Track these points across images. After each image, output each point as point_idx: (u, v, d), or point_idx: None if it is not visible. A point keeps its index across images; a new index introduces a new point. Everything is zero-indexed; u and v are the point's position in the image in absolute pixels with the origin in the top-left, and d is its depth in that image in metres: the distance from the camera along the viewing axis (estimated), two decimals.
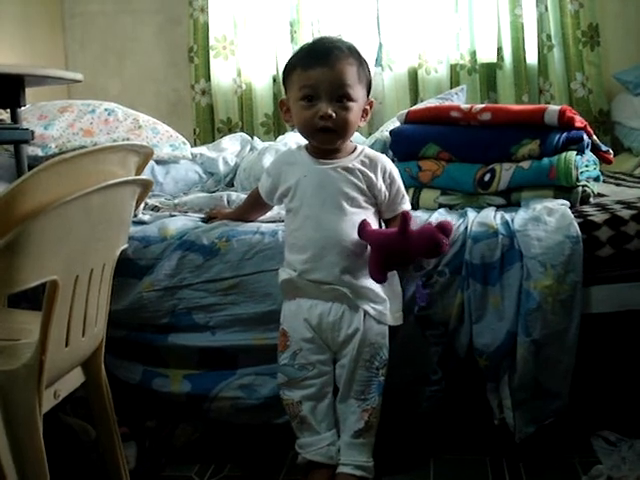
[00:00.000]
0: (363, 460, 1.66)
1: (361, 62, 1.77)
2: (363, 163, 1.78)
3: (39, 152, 2.54)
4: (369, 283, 1.70)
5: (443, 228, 1.63)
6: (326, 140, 1.76)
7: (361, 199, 1.75)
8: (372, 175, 1.77)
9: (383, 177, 1.79)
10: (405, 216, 1.64)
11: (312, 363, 1.70)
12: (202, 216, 2.13)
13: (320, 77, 1.71)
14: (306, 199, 1.75)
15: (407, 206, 1.83)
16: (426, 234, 1.63)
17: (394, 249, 1.65)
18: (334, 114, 1.70)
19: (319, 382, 1.70)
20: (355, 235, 1.70)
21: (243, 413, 1.87)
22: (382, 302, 1.71)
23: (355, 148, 1.82)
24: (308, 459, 1.68)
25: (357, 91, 1.74)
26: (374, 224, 1.75)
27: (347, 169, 1.75)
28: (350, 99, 1.72)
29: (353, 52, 1.76)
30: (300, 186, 1.76)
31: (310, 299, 1.72)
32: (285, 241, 1.82)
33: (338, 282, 1.69)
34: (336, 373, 1.72)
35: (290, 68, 1.79)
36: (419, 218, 1.94)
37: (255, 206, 2.00)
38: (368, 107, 1.82)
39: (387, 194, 1.79)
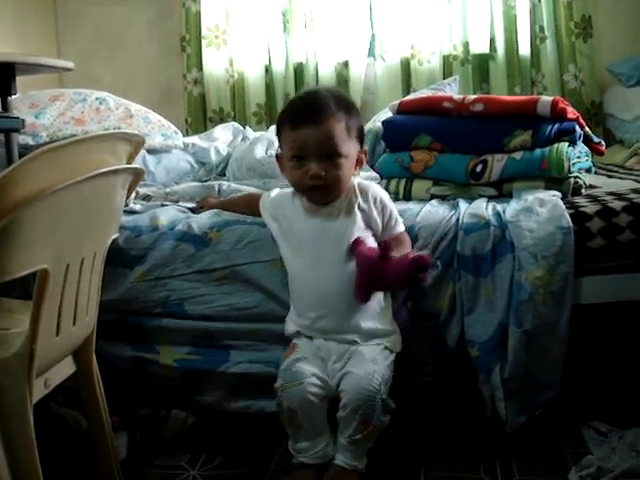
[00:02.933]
0: (356, 463, 1.65)
1: (350, 114, 1.75)
2: (357, 196, 1.77)
3: (30, 141, 2.52)
4: (377, 323, 1.73)
5: (419, 261, 1.62)
6: (319, 198, 1.76)
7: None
8: (365, 206, 1.77)
9: (375, 204, 1.78)
10: (386, 244, 1.65)
11: (313, 373, 1.65)
12: (192, 205, 2.13)
13: (308, 137, 1.69)
14: (305, 249, 1.75)
15: (401, 228, 1.82)
16: (401, 265, 1.63)
17: (374, 272, 1.65)
18: (323, 173, 1.69)
19: (315, 389, 1.64)
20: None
21: (236, 401, 1.87)
22: (391, 334, 1.74)
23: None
24: (304, 463, 1.67)
25: (347, 146, 1.72)
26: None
27: (345, 211, 1.75)
28: (340, 156, 1.71)
29: (341, 105, 1.74)
30: (297, 233, 1.78)
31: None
32: (289, 283, 1.81)
33: (347, 329, 1.71)
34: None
35: (280, 124, 1.78)
36: (410, 210, 1.94)
37: (248, 209, 1.97)
38: (362, 156, 1.81)
39: (379, 221, 1.78)
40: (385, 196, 1.82)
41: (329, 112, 1.71)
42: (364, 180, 1.86)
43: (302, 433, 1.66)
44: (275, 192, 1.90)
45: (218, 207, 2.03)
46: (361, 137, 1.80)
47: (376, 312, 1.74)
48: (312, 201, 1.77)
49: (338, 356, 1.70)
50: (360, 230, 1.74)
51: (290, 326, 1.79)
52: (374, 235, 1.77)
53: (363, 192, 1.78)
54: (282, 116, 1.79)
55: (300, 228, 1.77)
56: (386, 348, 1.71)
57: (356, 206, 1.76)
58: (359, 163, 1.80)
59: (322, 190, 1.73)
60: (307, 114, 1.71)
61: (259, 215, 1.91)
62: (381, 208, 1.79)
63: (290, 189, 1.83)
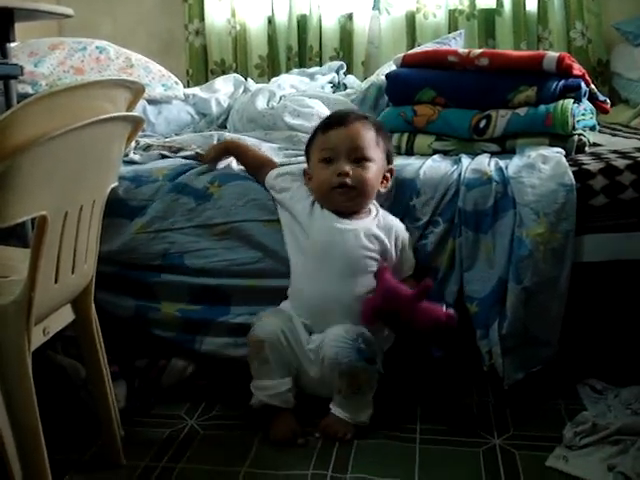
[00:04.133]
0: (353, 415, 1.68)
1: (378, 129, 1.84)
2: (379, 226, 1.79)
3: (29, 90, 2.50)
4: None
5: (450, 318, 1.64)
6: (343, 197, 1.77)
7: (373, 265, 1.75)
8: (386, 240, 1.78)
9: (395, 243, 1.80)
10: (428, 286, 1.65)
11: (294, 322, 1.73)
12: (190, 153, 2.10)
13: (338, 138, 1.78)
14: (313, 255, 1.76)
15: (409, 272, 1.83)
16: (434, 313, 1.64)
17: (397, 304, 1.65)
18: (351, 171, 1.75)
19: (287, 331, 1.71)
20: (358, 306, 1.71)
21: (236, 349, 1.87)
22: None
23: (370, 210, 1.83)
24: (265, 402, 1.70)
25: (374, 153, 1.79)
26: None
27: (364, 233, 1.76)
28: (367, 160, 1.77)
29: (370, 120, 1.85)
30: (309, 238, 1.78)
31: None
32: (291, 274, 1.81)
33: None
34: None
35: (313, 135, 1.87)
36: (412, 165, 1.93)
37: (253, 170, 1.94)
38: (388, 174, 1.84)
39: (394, 259, 1.80)
40: (406, 237, 1.83)
41: (359, 119, 1.83)
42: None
43: (266, 370, 1.70)
44: (286, 176, 1.88)
45: (231, 149, 2.00)
46: (389, 156, 1.86)
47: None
48: (335, 204, 1.79)
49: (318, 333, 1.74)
50: (372, 259, 1.75)
51: (286, 306, 1.81)
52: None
53: (387, 224, 1.81)
54: (314, 130, 1.88)
55: (313, 234, 1.78)
56: None
57: (374, 237, 1.77)
58: (385, 180, 1.84)
59: (347, 190, 1.76)
60: (338, 120, 1.83)
61: (258, 179, 1.91)
62: (400, 248, 1.81)
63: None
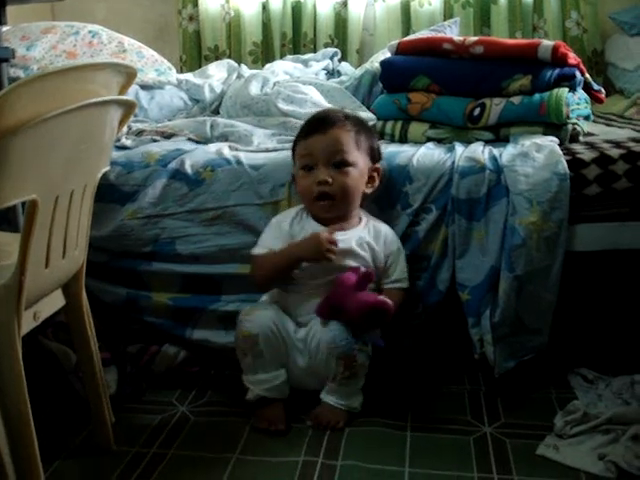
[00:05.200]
0: (345, 402, 1.69)
1: (359, 129, 1.80)
2: (369, 233, 1.79)
3: (21, 74, 2.48)
4: None
5: (378, 304, 1.64)
6: (325, 208, 1.76)
7: None
8: (376, 246, 1.78)
9: (384, 245, 1.79)
10: (367, 273, 1.66)
11: (277, 311, 1.74)
12: (183, 139, 2.09)
13: (316, 144, 1.76)
14: (307, 270, 1.74)
15: (398, 284, 1.80)
16: (363, 299, 1.64)
17: (340, 296, 1.65)
18: (330, 179, 1.73)
19: (277, 320, 1.71)
20: None
21: (227, 336, 1.87)
22: None
23: (360, 219, 1.82)
24: (261, 395, 1.70)
25: (355, 156, 1.76)
26: None
27: (356, 241, 1.75)
28: (347, 164, 1.75)
29: (350, 119, 1.83)
30: None
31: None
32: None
33: None
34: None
35: (295, 141, 1.85)
36: (406, 152, 1.92)
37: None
38: (375, 174, 1.82)
39: (382, 262, 1.79)
40: (396, 244, 1.81)
41: (338, 122, 1.79)
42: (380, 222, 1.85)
43: (261, 363, 1.70)
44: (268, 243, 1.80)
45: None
46: (373, 155, 1.83)
47: None
48: (319, 214, 1.78)
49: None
50: (365, 266, 1.73)
51: (268, 301, 1.82)
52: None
53: (376, 229, 1.80)
54: (297, 134, 1.84)
55: None
56: None
57: (366, 244, 1.77)
58: (371, 180, 1.81)
59: (329, 200, 1.75)
60: (317, 125, 1.80)
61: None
62: (388, 252, 1.80)
63: (294, 210, 1.83)
